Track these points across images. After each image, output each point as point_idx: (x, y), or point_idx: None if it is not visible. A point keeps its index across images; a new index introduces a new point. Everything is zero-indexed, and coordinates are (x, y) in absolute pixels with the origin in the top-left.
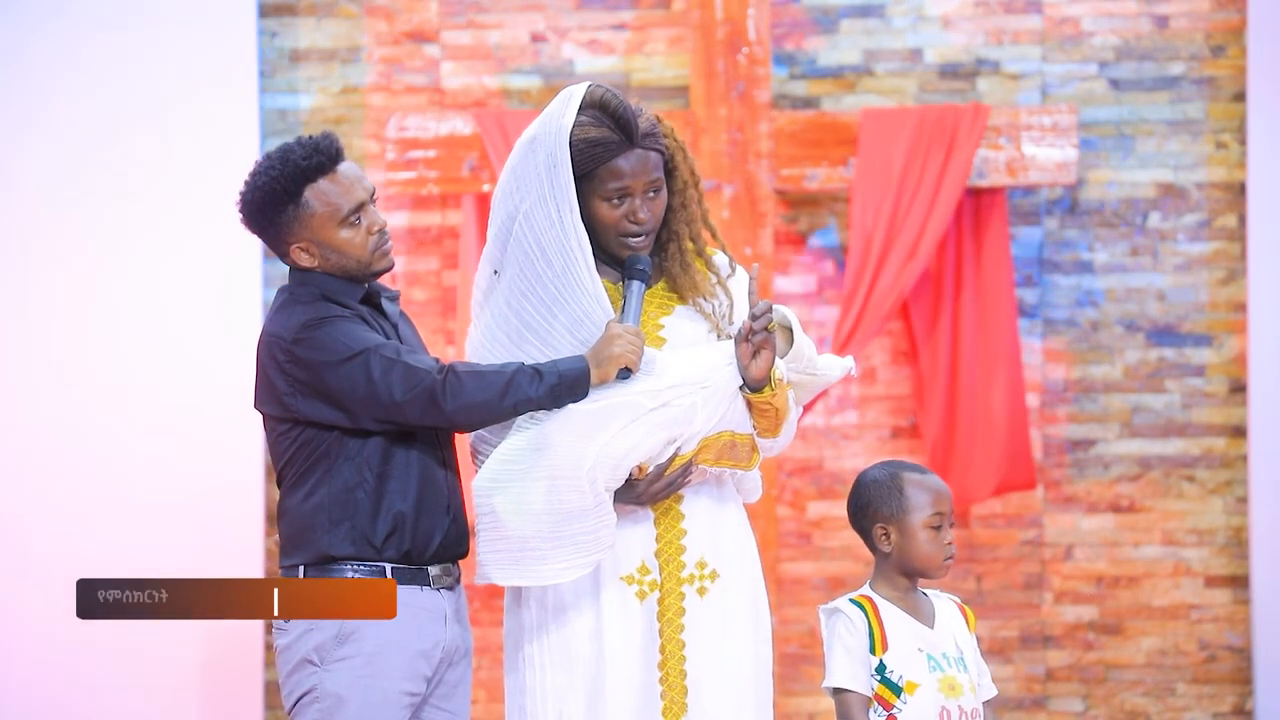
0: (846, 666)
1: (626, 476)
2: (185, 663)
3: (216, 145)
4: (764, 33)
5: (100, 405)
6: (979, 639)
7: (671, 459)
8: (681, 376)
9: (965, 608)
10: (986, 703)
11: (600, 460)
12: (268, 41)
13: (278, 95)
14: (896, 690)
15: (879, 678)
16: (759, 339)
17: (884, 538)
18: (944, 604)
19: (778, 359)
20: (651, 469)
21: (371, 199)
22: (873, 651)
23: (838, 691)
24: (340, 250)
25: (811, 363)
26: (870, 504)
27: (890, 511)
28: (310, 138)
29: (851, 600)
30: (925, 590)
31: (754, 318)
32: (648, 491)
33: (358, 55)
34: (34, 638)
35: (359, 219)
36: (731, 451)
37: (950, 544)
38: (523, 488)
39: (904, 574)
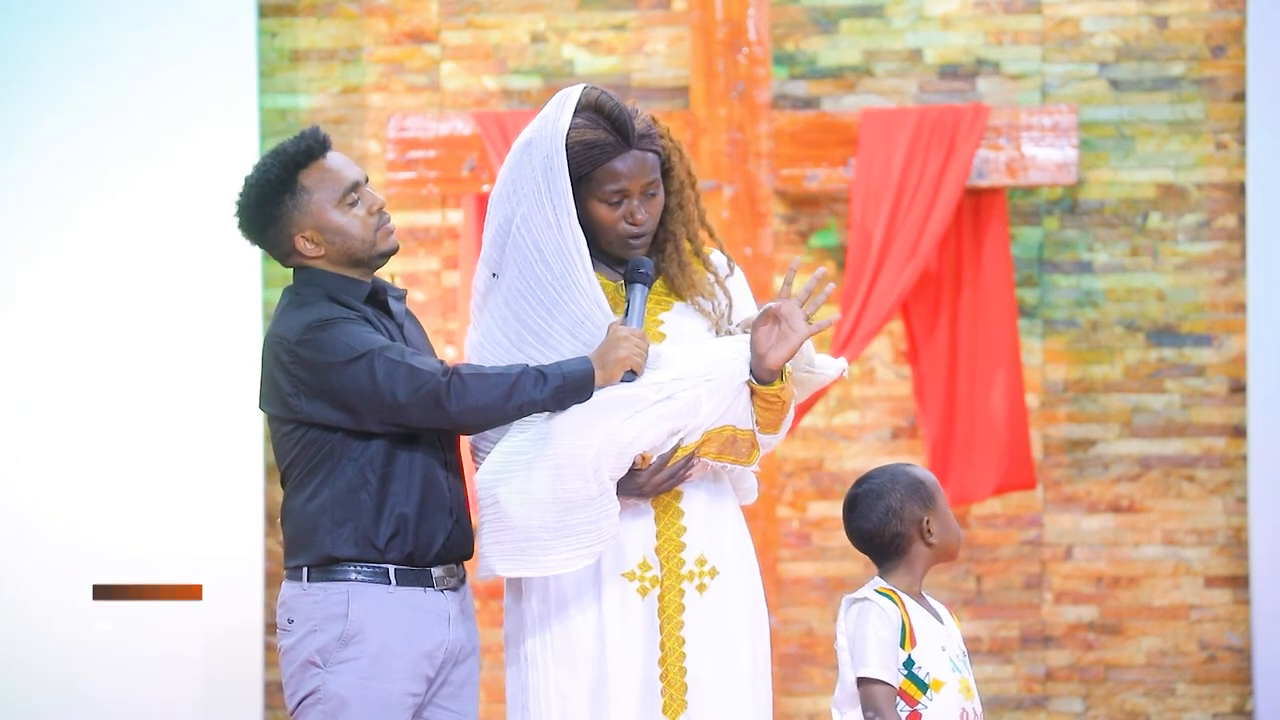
0: (880, 657)
1: (630, 465)
2: (185, 663)
3: (216, 145)
4: (764, 33)
5: (99, 405)
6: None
7: (674, 450)
8: (686, 370)
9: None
10: None
11: (605, 448)
12: (267, 41)
13: (277, 95)
14: (923, 687)
15: (905, 673)
16: (808, 308)
17: (929, 531)
18: (941, 606)
19: None
20: (654, 459)
21: (365, 182)
22: (902, 645)
23: (866, 681)
24: (343, 233)
25: (810, 360)
26: (904, 505)
27: (925, 504)
28: (297, 133)
29: (879, 591)
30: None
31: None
32: (650, 482)
33: (358, 55)
34: (34, 637)
35: (356, 199)
36: (733, 446)
37: None
38: (527, 477)
39: (932, 564)
